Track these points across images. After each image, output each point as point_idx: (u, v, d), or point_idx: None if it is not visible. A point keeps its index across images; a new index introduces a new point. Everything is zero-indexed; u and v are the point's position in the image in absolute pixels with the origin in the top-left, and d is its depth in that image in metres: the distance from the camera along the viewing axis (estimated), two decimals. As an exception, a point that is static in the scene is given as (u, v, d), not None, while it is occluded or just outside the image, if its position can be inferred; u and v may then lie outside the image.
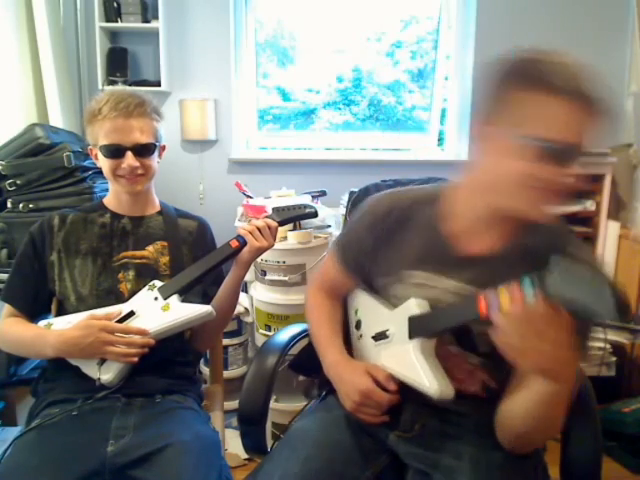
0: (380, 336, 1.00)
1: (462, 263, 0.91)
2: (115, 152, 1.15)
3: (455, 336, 0.93)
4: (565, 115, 0.75)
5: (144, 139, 1.17)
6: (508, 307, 0.73)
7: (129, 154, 1.15)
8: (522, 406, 0.82)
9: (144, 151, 1.17)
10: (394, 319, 0.97)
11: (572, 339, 0.72)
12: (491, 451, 0.89)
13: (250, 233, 1.19)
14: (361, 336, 1.08)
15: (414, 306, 0.93)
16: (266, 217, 1.24)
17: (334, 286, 1.14)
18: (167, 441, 0.99)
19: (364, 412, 0.95)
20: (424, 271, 0.95)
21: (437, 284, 0.93)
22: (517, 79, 0.78)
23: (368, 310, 1.07)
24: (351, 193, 1.46)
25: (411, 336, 0.92)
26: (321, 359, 1.06)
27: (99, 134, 1.16)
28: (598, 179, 2.35)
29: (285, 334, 1.24)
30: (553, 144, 0.75)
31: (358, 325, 1.10)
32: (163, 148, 1.27)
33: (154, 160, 1.22)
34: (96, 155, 1.20)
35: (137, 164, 1.16)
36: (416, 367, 0.89)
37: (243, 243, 1.21)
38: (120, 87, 1.25)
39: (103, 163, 1.19)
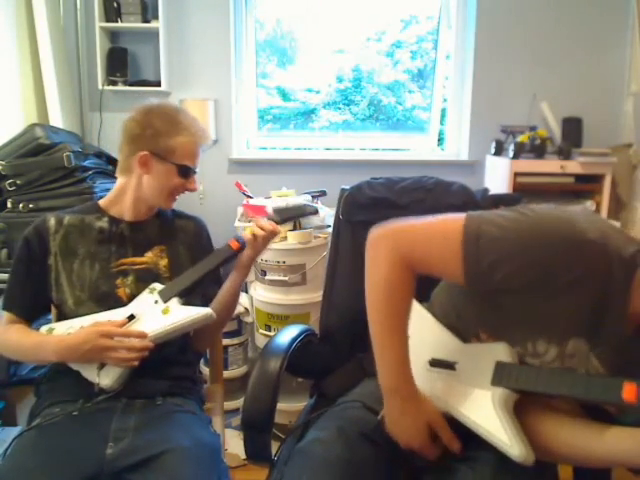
0: (441, 364, 0.92)
1: None
2: (187, 173, 1.21)
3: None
4: None
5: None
6: None
7: (195, 177, 1.22)
8: (585, 447, 0.79)
9: (193, 174, 1.24)
10: (469, 354, 0.90)
11: None
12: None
13: (256, 238, 1.20)
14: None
15: (504, 352, 0.86)
16: (267, 218, 1.24)
17: (425, 270, 0.86)
18: (166, 447, 0.98)
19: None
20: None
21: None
22: None
23: (427, 329, 0.98)
24: (342, 190, 1.44)
25: (495, 383, 0.85)
26: (379, 367, 0.88)
27: (176, 149, 1.17)
28: (598, 179, 2.35)
29: (285, 336, 1.21)
30: None
31: None
32: None
33: None
34: (147, 162, 1.16)
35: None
36: (497, 422, 0.82)
37: (243, 244, 1.20)
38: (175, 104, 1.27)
39: (165, 178, 1.18)
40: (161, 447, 0.98)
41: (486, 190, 1.45)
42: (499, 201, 1.38)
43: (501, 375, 0.85)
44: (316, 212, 1.31)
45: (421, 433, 0.86)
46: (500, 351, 0.86)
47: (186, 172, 1.19)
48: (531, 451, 0.79)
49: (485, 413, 0.83)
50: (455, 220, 0.83)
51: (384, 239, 0.88)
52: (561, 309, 0.79)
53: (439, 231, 0.85)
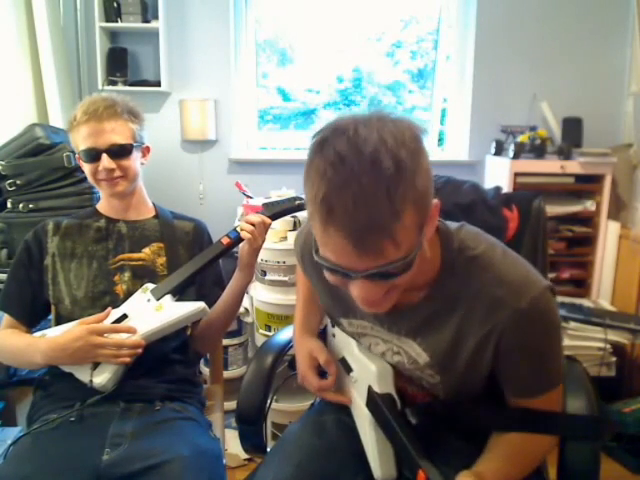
0: (346, 367, 0.97)
1: (391, 315, 0.85)
2: (92, 156, 1.15)
3: None
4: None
5: (119, 140, 1.16)
6: None
7: (104, 156, 1.14)
8: None
9: (120, 152, 1.16)
10: (359, 366, 0.94)
11: None
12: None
13: (249, 232, 1.18)
14: (334, 335, 1.05)
15: (374, 379, 0.89)
16: (257, 213, 1.23)
17: None
18: (165, 456, 0.96)
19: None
20: (362, 320, 0.92)
21: (377, 334, 0.91)
22: None
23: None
24: None
25: (367, 407, 0.90)
26: (294, 333, 1.11)
27: (78, 140, 1.17)
28: (598, 179, 2.35)
29: (285, 334, 1.22)
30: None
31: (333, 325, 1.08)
32: (147, 150, 1.26)
33: (133, 161, 1.20)
34: (81, 163, 1.21)
35: (113, 166, 1.15)
36: (368, 444, 0.90)
37: (235, 239, 1.19)
38: (101, 93, 1.24)
39: (85, 169, 1.19)
40: (160, 457, 0.96)
41: (498, 189, 1.44)
42: (511, 200, 1.37)
43: (371, 403, 0.89)
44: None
45: (305, 361, 1.01)
46: (373, 376, 0.90)
47: (88, 155, 1.15)
48: (393, 470, 0.87)
49: (365, 429, 0.91)
50: None
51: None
52: None
53: None
